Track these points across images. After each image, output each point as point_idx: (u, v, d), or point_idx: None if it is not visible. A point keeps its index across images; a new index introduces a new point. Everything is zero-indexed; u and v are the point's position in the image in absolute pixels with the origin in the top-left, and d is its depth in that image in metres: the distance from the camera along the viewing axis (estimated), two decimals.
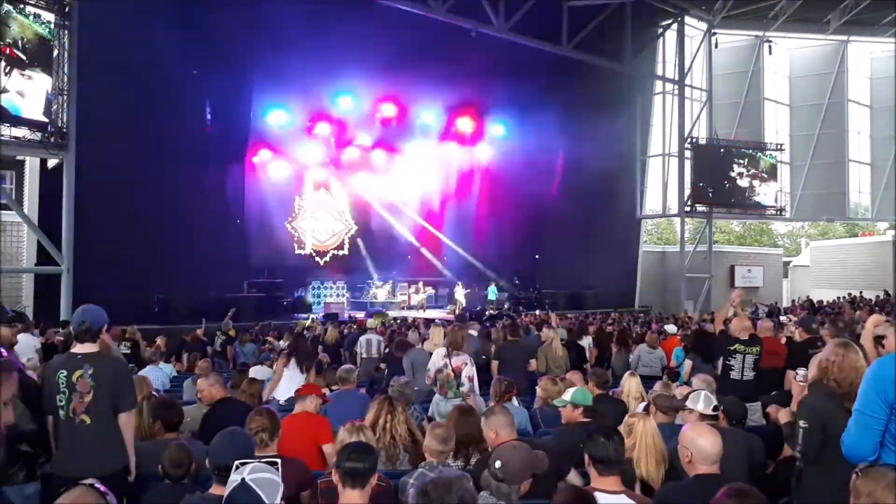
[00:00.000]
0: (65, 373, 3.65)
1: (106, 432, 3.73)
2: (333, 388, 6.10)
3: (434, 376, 6.01)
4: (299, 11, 17.73)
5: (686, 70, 27.61)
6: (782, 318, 13.75)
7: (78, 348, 3.78)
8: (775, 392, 5.80)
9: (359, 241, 24.24)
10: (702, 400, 4.03)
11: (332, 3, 18.21)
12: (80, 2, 14.34)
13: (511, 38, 21.12)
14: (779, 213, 29.55)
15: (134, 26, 15.63)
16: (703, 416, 3.92)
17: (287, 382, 6.68)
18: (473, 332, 9.34)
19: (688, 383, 6.42)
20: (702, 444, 3.09)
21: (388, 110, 22.84)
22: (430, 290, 24.31)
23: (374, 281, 23.54)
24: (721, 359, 6.05)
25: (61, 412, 3.64)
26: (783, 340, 7.49)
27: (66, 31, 14.06)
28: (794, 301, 28.41)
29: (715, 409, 4.00)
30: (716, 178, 27.31)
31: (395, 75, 20.48)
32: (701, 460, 3.09)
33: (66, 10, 14.02)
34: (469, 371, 6.01)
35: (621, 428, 3.78)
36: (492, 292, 23.87)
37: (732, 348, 5.90)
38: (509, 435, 3.58)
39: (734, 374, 5.84)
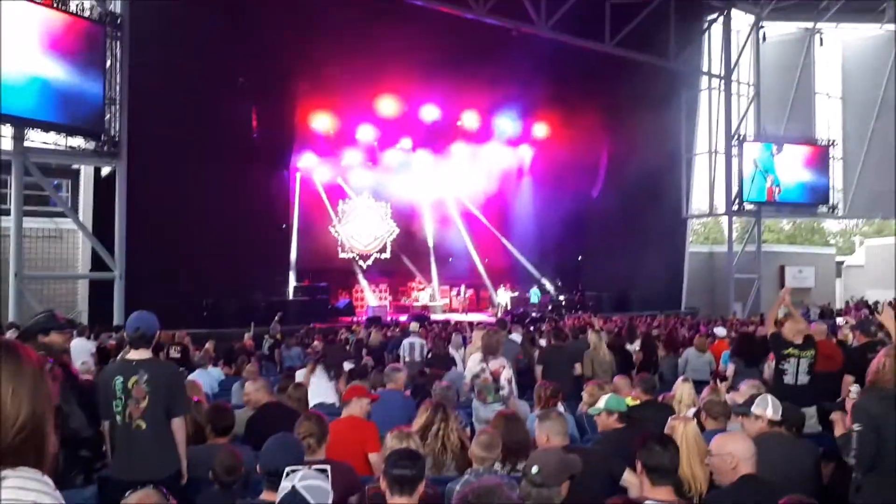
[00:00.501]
0: (121, 379, 3.74)
1: (161, 437, 3.82)
2: (378, 389, 6.13)
3: (471, 383, 5.96)
4: (342, 18, 17.93)
5: (733, 65, 26.98)
6: (838, 320, 13.32)
7: (132, 354, 3.88)
8: (840, 399, 5.60)
9: (401, 244, 24.38)
10: (770, 405, 3.87)
11: (373, 9, 18.35)
12: (131, 13, 14.77)
13: (553, 37, 20.96)
14: (831, 210, 28.64)
15: (182, 36, 16.01)
16: (771, 423, 3.79)
17: (315, 388, 6.73)
18: (517, 336, 9.31)
19: (732, 388, 6.28)
20: (741, 448, 3.09)
21: (430, 113, 22.90)
22: (470, 292, 24.32)
23: (416, 284, 23.67)
24: (774, 363, 5.88)
25: (118, 418, 3.73)
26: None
27: (118, 42, 14.48)
28: (847, 302, 27.50)
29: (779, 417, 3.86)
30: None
31: (437, 77, 20.53)
32: (743, 462, 3.06)
33: (118, 21, 14.45)
34: (507, 374, 5.94)
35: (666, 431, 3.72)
36: (534, 294, 23.72)
37: (786, 352, 5.72)
38: (561, 442, 3.54)
39: (788, 379, 5.66)
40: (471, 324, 15.07)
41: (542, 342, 9.54)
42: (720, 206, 28.30)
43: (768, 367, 6.80)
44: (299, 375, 7.80)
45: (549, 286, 24.85)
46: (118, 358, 3.90)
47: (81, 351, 8.46)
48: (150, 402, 3.75)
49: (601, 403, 4.44)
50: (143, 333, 3.91)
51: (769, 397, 3.93)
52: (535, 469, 2.83)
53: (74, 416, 3.56)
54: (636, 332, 10.57)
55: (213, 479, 3.56)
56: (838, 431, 3.81)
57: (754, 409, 3.93)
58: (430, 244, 24.52)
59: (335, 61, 18.01)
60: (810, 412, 5.47)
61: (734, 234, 27.78)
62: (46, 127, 13.45)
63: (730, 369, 7.07)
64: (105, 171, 16.05)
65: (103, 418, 3.80)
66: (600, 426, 4.44)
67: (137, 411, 3.73)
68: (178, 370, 4.32)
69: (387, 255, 24.30)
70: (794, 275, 30.04)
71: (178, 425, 3.90)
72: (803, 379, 5.66)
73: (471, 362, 6.12)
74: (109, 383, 3.76)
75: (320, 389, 6.53)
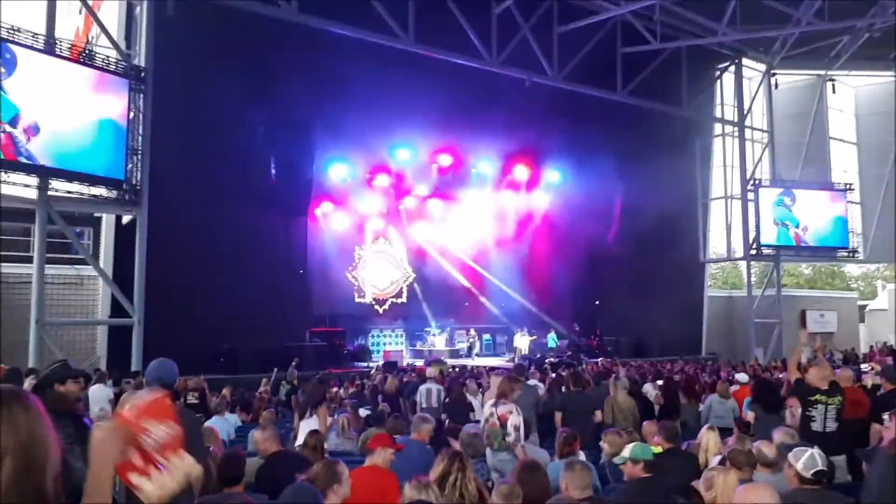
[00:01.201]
0: None
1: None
2: (400, 438, 6.05)
3: (483, 428, 5.85)
4: (359, 70, 18.34)
5: (745, 112, 27.16)
6: (863, 366, 13.05)
7: None
8: (869, 448, 5.45)
9: (417, 288, 24.39)
10: (817, 457, 3.67)
11: (389, 60, 18.79)
12: (155, 66, 15.22)
13: (565, 87, 21.29)
14: (851, 255, 28.34)
15: (203, 88, 16.43)
16: (802, 479, 3.65)
17: (303, 430, 6.74)
18: (535, 382, 9.19)
19: (754, 435, 6.12)
20: (765, 500, 2.98)
21: (445, 160, 23.17)
22: (473, 335, 24.18)
23: (432, 328, 23.59)
24: (799, 409, 5.75)
25: None
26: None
27: (142, 95, 14.89)
28: (871, 347, 26.96)
29: (817, 473, 3.62)
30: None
31: (451, 125, 20.84)
32: None
33: (142, 74, 14.88)
34: (515, 420, 5.75)
35: (701, 482, 3.62)
36: (551, 340, 23.51)
37: (813, 398, 5.59)
38: (580, 495, 3.46)
39: (816, 426, 5.52)
40: (489, 369, 14.93)
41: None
42: (738, 250, 28.08)
43: (790, 414, 6.66)
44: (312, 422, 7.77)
45: (566, 331, 24.61)
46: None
47: (100, 397, 8.47)
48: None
49: (626, 452, 4.35)
50: (163, 382, 3.90)
51: (815, 451, 3.70)
52: None
53: (78, 469, 3.53)
54: (661, 373, 10.38)
55: None
56: None
57: (791, 457, 3.74)
58: (446, 289, 24.49)
59: (352, 111, 18.36)
60: (839, 461, 5.33)
61: (753, 279, 27.48)
62: (70, 177, 13.74)
63: (749, 416, 6.91)
64: (126, 219, 16.32)
65: None
66: (626, 475, 4.34)
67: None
68: (196, 417, 4.30)
69: (403, 299, 24.31)
70: (815, 319, 29.50)
71: (196, 475, 3.88)
72: (831, 426, 5.53)
73: (484, 408, 6.04)
74: None
75: (304, 431, 6.57)
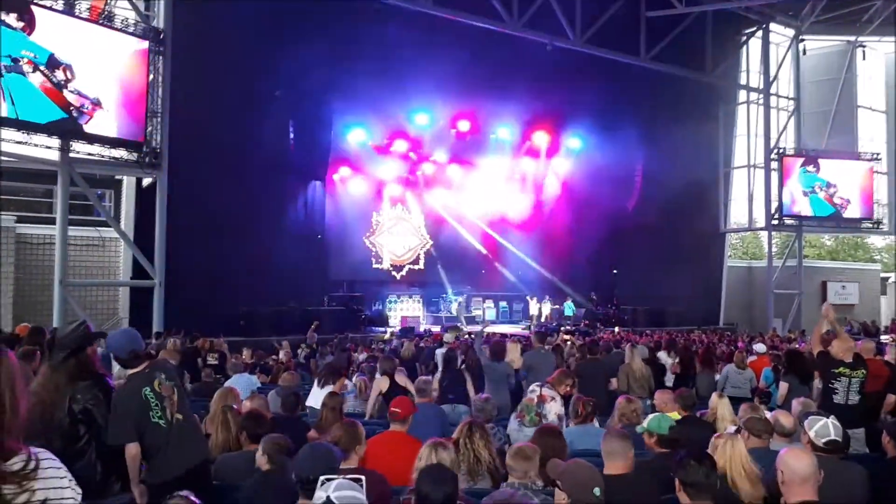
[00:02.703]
0: (147, 388, 3.74)
1: (193, 423, 4.04)
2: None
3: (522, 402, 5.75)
4: (376, 33, 18.16)
5: (772, 78, 26.56)
6: (883, 337, 12.90)
7: (133, 370, 3.85)
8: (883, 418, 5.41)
9: (434, 255, 24.42)
10: (831, 426, 3.65)
11: (408, 24, 18.53)
12: (174, 29, 15.14)
13: (588, 51, 20.89)
14: (875, 226, 27.86)
15: (221, 51, 16.34)
16: (814, 447, 3.63)
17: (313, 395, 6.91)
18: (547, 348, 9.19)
19: (783, 406, 6.09)
20: (794, 466, 2.96)
21: (464, 126, 22.96)
22: (489, 304, 24.29)
23: (448, 295, 23.68)
24: (822, 381, 5.70)
25: (162, 422, 3.74)
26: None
27: (161, 57, 14.84)
28: (894, 319, 26.66)
29: (830, 443, 3.62)
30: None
31: (471, 91, 20.61)
32: (793, 482, 2.95)
33: (161, 37, 14.81)
34: (557, 408, 5.55)
35: (710, 449, 3.61)
36: (568, 308, 23.51)
37: (837, 371, 5.54)
38: (616, 469, 3.48)
39: (838, 399, 5.47)
40: (504, 335, 14.98)
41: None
42: (759, 220, 27.71)
43: (816, 386, 6.61)
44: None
45: (583, 300, 24.60)
46: (127, 376, 3.85)
47: None
48: (177, 394, 3.88)
49: (645, 422, 4.34)
50: (137, 353, 3.89)
51: (829, 421, 3.67)
52: (597, 491, 2.81)
53: (100, 425, 3.59)
54: (676, 344, 10.32)
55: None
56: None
57: (812, 433, 3.70)
58: (463, 256, 24.51)
59: (370, 75, 18.19)
60: (858, 433, 5.29)
61: (774, 250, 27.15)
62: (91, 138, 13.80)
63: (783, 387, 6.82)
64: (146, 181, 16.42)
65: (125, 441, 3.65)
66: (646, 445, 4.35)
67: (173, 407, 3.81)
68: (172, 369, 4.32)
69: (420, 266, 24.37)
70: (836, 291, 29.26)
71: None
72: (854, 398, 5.48)
73: (512, 421, 5.90)
74: (139, 398, 3.72)
75: (314, 396, 6.77)
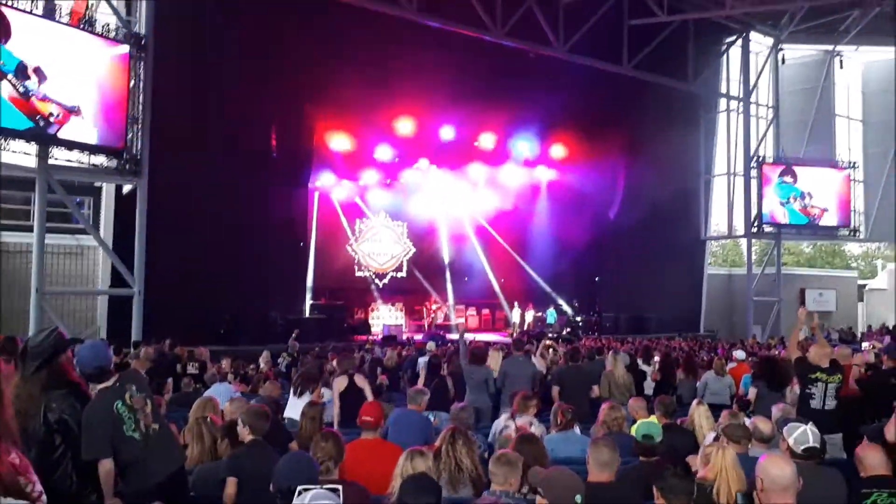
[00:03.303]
0: (119, 402, 3.66)
1: (167, 431, 3.96)
2: (397, 410, 6.08)
3: (495, 438, 5.69)
4: (360, 39, 18.16)
5: (752, 87, 26.90)
6: (864, 345, 13.07)
7: (102, 385, 3.75)
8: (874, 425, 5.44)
9: (417, 263, 24.39)
10: (810, 433, 3.66)
11: (391, 31, 18.57)
12: (155, 35, 15.04)
13: (570, 59, 21.04)
14: (853, 233, 28.26)
15: (203, 57, 16.28)
16: (793, 454, 3.65)
17: (290, 404, 6.84)
18: (535, 359, 9.22)
19: (754, 412, 6.15)
20: (774, 473, 2.98)
21: (448, 133, 23.00)
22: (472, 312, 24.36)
23: (431, 303, 23.67)
24: (799, 387, 5.76)
25: (136, 435, 3.67)
26: (862, 368, 7.11)
27: (142, 63, 14.73)
28: (870, 326, 27.03)
29: (808, 450, 3.63)
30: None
31: (455, 98, 20.66)
32: (773, 490, 2.96)
33: (142, 42, 14.71)
34: (539, 431, 5.65)
35: (698, 458, 3.63)
36: (550, 315, 23.59)
37: (814, 376, 5.60)
38: (598, 477, 3.49)
39: (815, 404, 5.53)
40: (486, 343, 14.97)
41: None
42: (739, 227, 28.02)
43: (790, 392, 6.67)
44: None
45: (565, 307, 24.70)
46: (97, 391, 3.77)
47: None
48: (150, 405, 3.83)
49: (634, 429, 4.37)
50: (104, 368, 3.78)
51: (807, 428, 3.69)
52: (579, 498, 2.81)
53: (76, 436, 3.54)
54: (651, 353, 10.39)
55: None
56: None
57: (785, 432, 3.75)
58: (446, 263, 24.52)
59: (353, 82, 18.17)
60: (835, 438, 5.35)
61: (753, 257, 27.45)
62: (70, 145, 13.65)
63: (752, 393, 6.92)
64: (126, 188, 16.25)
65: (99, 456, 3.54)
66: (634, 451, 4.37)
67: (147, 418, 3.75)
68: (142, 378, 4.25)
69: (403, 273, 24.33)
70: (815, 298, 29.62)
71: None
72: (830, 403, 5.54)
73: (498, 420, 5.87)
74: (111, 414, 3.63)
75: (292, 406, 6.75)
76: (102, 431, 3.57)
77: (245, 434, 4.23)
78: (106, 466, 3.55)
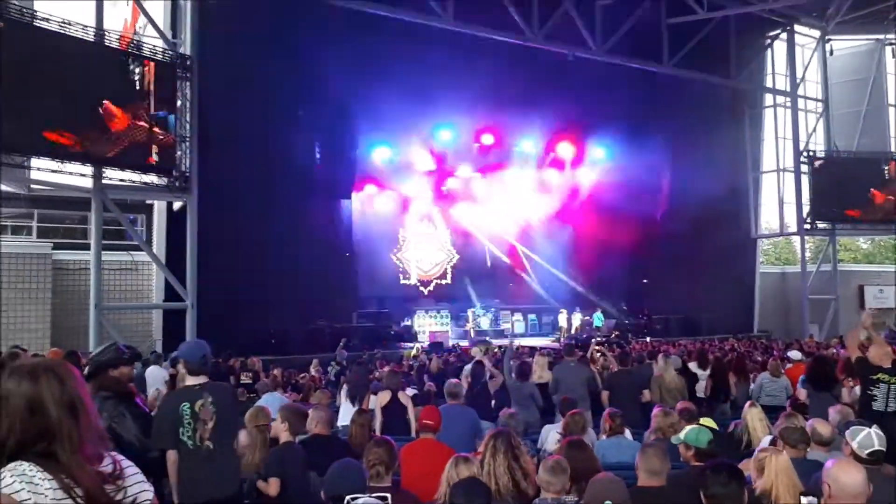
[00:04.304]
0: (187, 405, 3.83)
1: (227, 455, 3.94)
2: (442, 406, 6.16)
3: (543, 445, 5.65)
4: (400, 50, 18.34)
5: (798, 81, 26.17)
6: None
7: (191, 381, 3.97)
8: None
9: (461, 269, 24.42)
10: (874, 436, 3.51)
11: (428, 39, 18.69)
12: (200, 54, 15.47)
13: (609, 61, 20.83)
14: None
15: (246, 75, 16.66)
16: (857, 458, 3.52)
17: (342, 413, 6.90)
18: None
19: (810, 414, 5.95)
20: (844, 481, 2.83)
21: (488, 139, 23.02)
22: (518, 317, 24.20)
23: (476, 309, 23.65)
24: (860, 388, 5.55)
25: (189, 442, 3.81)
26: None
27: (188, 83, 15.15)
28: None
29: (873, 454, 3.48)
30: (838, 192, 25.46)
31: (494, 104, 20.67)
32: (842, 497, 2.83)
33: (188, 63, 15.13)
34: (588, 439, 5.57)
35: (752, 463, 3.54)
36: (597, 319, 23.32)
37: (876, 377, 5.39)
38: (648, 482, 3.43)
39: (877, 405, 5.30)
40: (532, 348, 14.90)
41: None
42: (791, 225, 27.22)
43: (846, 392, 6.45)
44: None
45: (613, 311, 24.37)
46: (177, 386, 3.98)
47: (156, 378, 8.74)
48: (217, 423, 3.86)
49: (682, 434, 4.26)
50: (207, 360, 4.02)
51: (872, 431, 3.55)
52: None
53: (135, 443, 3.66)
54: (707, 357, 10.05)
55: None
56: None
57: (847, 435, 3.62)
58: (491, 269, 24.49)
59: (394, 92, 18.33)
60: None
61: (808, 254, 26.61)
62: (123, 165, 14.11)
63: (802, 394, 6.70)
64: (177, 205, 16.71)
65: (166, 447, 3.81)
66: (682, 456, 4.27)
67: (206, 433, 3.83)
68: (233, 388, 4.41)
69: (448, 280, 24.38)
70: (874, 294, 28.55)
71: (242, 440, 4.07)
72: (893, 405, 5.32)
73: (550, 440, 5.79)
74: (176, 411, 3.82)
75: (345, 413, 6.80)
76: (168, 426, 3.80)
77: (282, 431, 4.33)
78: (171, 457, 3.78)
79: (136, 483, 1.80)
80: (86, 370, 3.81)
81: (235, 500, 3.96)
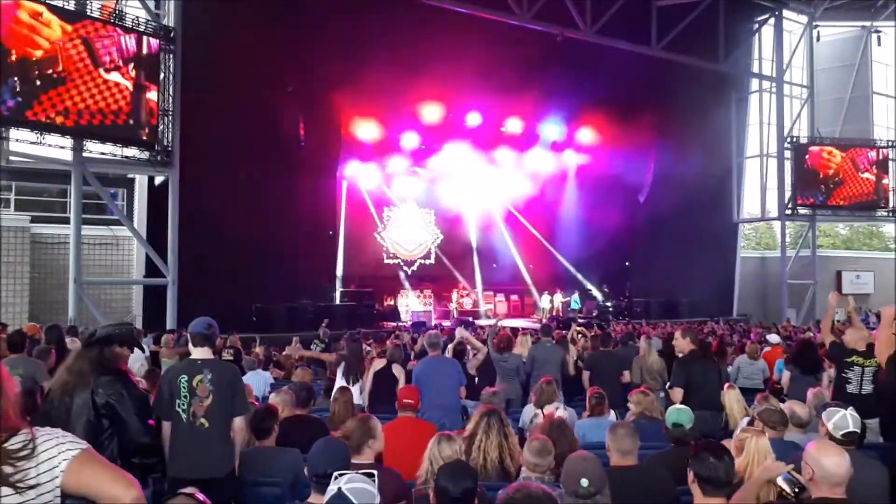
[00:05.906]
0: (185, 378, 3.84)
1: (221, 435, 3.90)
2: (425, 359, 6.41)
3: (525, 425, 5.71)
4: (385, 26, 18.10)
5: (785, 66, 26.27)
6: None
7: (196, 354, 3.97)
8: None
9: (445, 250, 24.43)
10: (849, 418, 3.56)
11: (416, 16, 18.47)
12: (184, 28, 15.20)
13: (598, 42, 20.76)
14: (891, 214, 27.55)
15: (231, 49, 16.34)
16: (832, 439, 3.58)
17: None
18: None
19: (787, 396, 6.07)
20: (826, 464, 2.83)
21: (475, 119, 22.89)
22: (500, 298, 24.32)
23: (459, 290, 23.72)
24: (835, 371, 5.66)
25: (182, 416, 3.82)
26: None
27: (172, 56, 14.91)
28: None
29: (848, 434, 3.54)
30: (818, 178, 25.72)
31: (481, 83, 20.49)
32: (823, 481, 2.86)
33: (171, 35, 14.88)
34: (565, 415, 5.68)
35: (732, 444, 3.59)
36: (574, 301, 23.52)
37: (850, 360, 5.50)
38: (621, 461, 3.47)
39: (851, 388, 5.43)
40: (514, 329, 14.96)
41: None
42: (772, 210, 27.47)
43: (827, 376, 6.57)
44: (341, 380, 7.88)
45: (595, 292, 24.53)
46: (183, 361, 3.98)
47: (136, 356, 8.65)
48: (214, 401, 3.85)
49: (666, 415, 4.33)
50: (213, 331, 4.05)
51: (847, 413, 3.60)
52: (584, 482, 2.75)
53: (131, 424, 3.64)
54: (693, 332, 10.11)
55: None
56: None
57: (824, 416, 3.66)
58: (475, 250, 24.52)
59: (379, 69, 18.12)
60: (873, 423, 5.25)
61: (787, 239, 26.91)
62: (103, 138, 13.90)
63: (785, 377, 6.81)
64: (158, 180, 16.51)
65: (163, 417, 3.85)
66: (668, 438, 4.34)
67: (201, 409, 3.82)
68: (238, 371, 4.38)
69: (431, 260, 24.40)
70: (851, 280, 28.99)
71: (241, 426, 4.01)
72: (867, 388, 5.44)
73: (525, 411, 5.91)
74: (175, 382, 3.84)
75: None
76: (167, 395, 3.85)
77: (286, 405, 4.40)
78: (166, 428, 3.85)
79: (44, 468, 1.62)
80: (94, 336, 3.80)
81: (226, 483, 3.85)
